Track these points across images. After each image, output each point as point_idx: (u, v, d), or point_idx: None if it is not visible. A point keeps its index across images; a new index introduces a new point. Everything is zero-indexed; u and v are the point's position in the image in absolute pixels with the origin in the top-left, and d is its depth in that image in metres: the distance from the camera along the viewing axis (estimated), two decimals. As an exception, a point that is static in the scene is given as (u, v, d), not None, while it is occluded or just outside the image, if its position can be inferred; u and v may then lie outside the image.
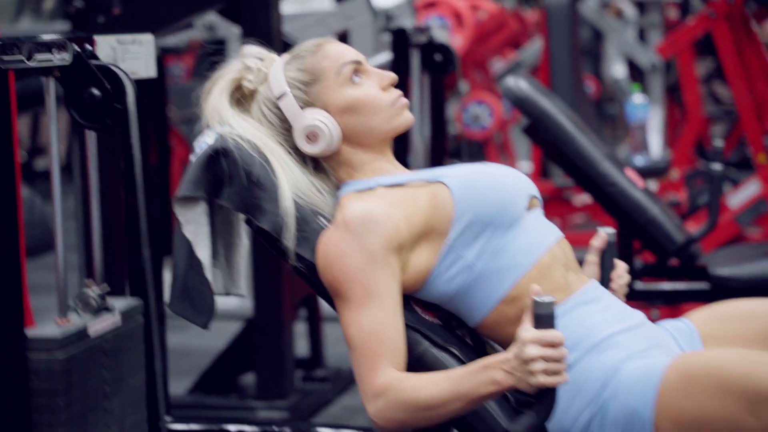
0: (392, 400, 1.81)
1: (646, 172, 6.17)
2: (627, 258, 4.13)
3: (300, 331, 4.80)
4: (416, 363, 1.92)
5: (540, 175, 6.55)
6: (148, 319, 2.40)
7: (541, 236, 1.95)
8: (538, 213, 2.00)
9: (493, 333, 1.95)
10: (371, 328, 1.85)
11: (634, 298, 3.93)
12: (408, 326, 1.92)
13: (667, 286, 3.94)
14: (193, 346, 5.22)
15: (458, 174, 1.96)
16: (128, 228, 2.43)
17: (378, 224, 1.87)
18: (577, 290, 1.93)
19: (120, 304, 2.29)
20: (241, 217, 2.03)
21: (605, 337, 1.88)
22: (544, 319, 1.70)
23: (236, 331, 4.32)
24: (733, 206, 5.32)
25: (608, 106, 9.22)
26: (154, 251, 2.48)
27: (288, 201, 1.94)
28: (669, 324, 2.03)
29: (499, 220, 1.91)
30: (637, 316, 1.97)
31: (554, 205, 6.14)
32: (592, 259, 2.12)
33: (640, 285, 4.01)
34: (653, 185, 6.57)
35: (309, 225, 1.96)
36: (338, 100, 1.97)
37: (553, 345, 1.69)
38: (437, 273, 1.92)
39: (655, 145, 7.22)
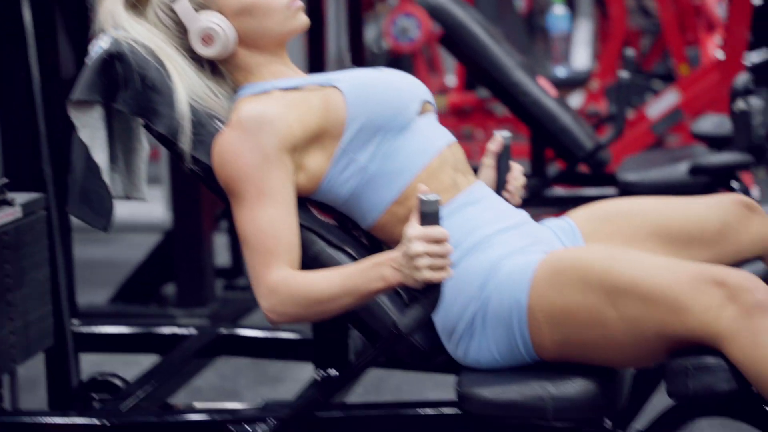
0: (285, 296, 1.86)
1: (566, 83, 6.25)
2: (540, 166, 4.21)
3: (222, 242, 4.83)
4: (312, 262, 1.96)
5: (464, 87, 6.60)
6: (49, 213, 2.41)
7: (432, 140, 1.99)
8: (431, 118, 2.04)
9: (386, 234, 2.00)
10: (265, 226, 1.89)
11: (545, 204, 4.05)
12: (304, 227, 1.97)
13: (577, 192, 4.03)
14: (117, 258, 5.24)
15: (351, 78, 1.99)
16: (27, 124, 2.43)
17: (272, 124, 1.90)
18: (464, 190, 1.99)
19: (21, 198, 2.28)
20: (140, 121, 2.05)
21: (487, 236, 1.94)
22: (429, 216, 1.75)
23: (157, 242, 4.34)
24: (651, 116, 5.41)
25: (539, 20, 9.24)
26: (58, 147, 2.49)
27: (183, 104, 1.96)
28: (552, 223, 2.09)
29: (391, 123, 1.95)
30: (520, 215, 2.03)
31: (478, 117, 6.20)
32: (489, 162, 2.17)
33: (552, 191, 4.11)
34: (579, 96, 6.65)
35: (205, 128, 1.98)
36: (233, 2, 1.98)
37: (437, 241, 1.74)
38: (331, 176, 1.95)
39: (583, 57, 7.28)
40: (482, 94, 6.17)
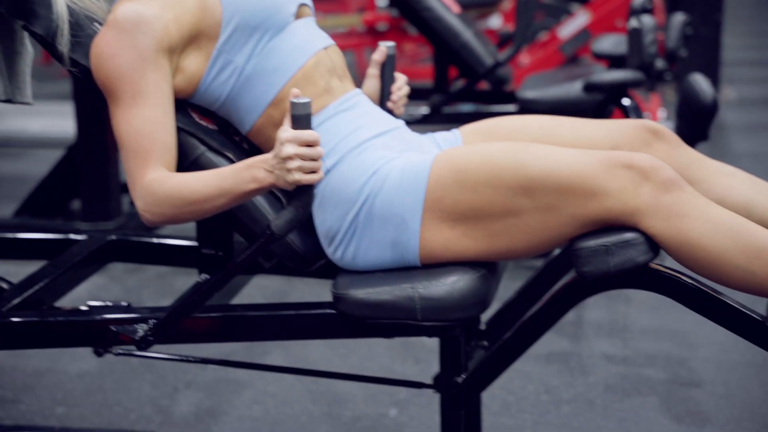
0: (160, 196, 1.87)
1: (480, 3, 6.25)
2: (443, 82, 4.25)
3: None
4: (192, 166, 1.97)
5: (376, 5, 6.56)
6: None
7: (308, 41, 2.00)
8: (310, 21, 2.05)
9: (263, 138, 2.02)
10: (141, 127, 1.89)
11: (447, 120, 4.08)
12: (184, 131, 1.98)
13: (478, 108, 4.07)
14: (27, 173, 5.19)
15: (227, -21, 1.99)
16: None
17: (148, 25, 1.89)
18: (339, 97, 2.01)
19: None
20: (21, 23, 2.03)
21: (364, 140, 1.96)
22: (300, 119, 1.77)
23: (60, 157, 4.30)
24: (562, 36, 5.45)
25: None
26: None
27: (61, 6, 1.95)
28: (437, 134, 2.12)
29: (267, 24, 1.96)
30: (396, 122, 2.05)
31: (392, 35, 6.18)
32: (373, 72, 2.19)
33: (454, 108, 4.14)
34: (497, 18, 6.65)
35: (83, 30, 1.97)
36: None
37: (308, 144, 1.76)
38: (209, 77, 1.96)
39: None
40: (395, 13, 6.15)
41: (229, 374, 3.00)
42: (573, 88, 3.73)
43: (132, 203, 4.44)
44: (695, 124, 3.18)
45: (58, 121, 5.96)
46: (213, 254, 2.18)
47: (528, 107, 3.80)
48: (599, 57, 4.14)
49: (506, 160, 1.85)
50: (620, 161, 1.80)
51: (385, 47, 2.18)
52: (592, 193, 1.79)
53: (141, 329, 1.99)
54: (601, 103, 3.67)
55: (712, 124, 3.17)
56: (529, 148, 1.87)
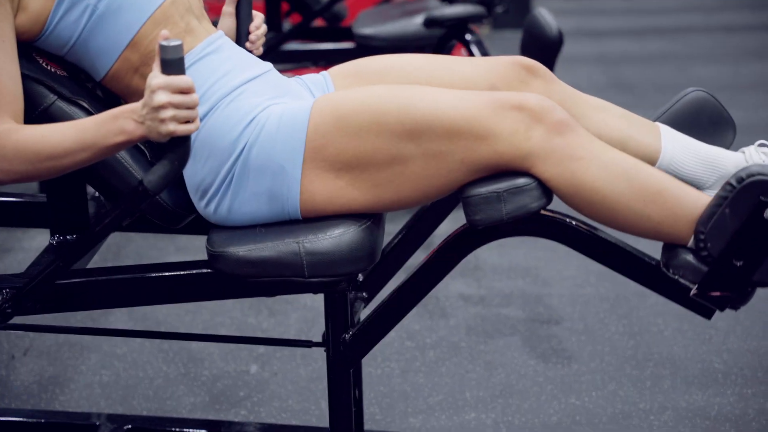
0: (10, 151, 1.66)
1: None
2: (275, 20, 4.07)
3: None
4: (42, 117, 1.76)
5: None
6: None
7: (163, -21, 1.81)
8: None
9: (120, 85, 1.82)
10: None
11: (282, 59, 3.92)
12: (31, 78, 1.76)
13: (313, 46, 3.92)
14: None
15: None
16: None
17: None
18: (203, 39, 1.84)
19: None
20: None
21: (236, 86, 1.79)
22: (172, 63, 1.58)
23: None
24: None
25: None
26: None
27: None
28: (306, 77, 1.98)
29: None
30: (264, 65, 1.90)
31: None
32: (229, 10, 2.01)
33: (289, 46, 3.98)
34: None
35: None
36: None
37: (182, 91, 1.57)
38: (56, 16, 1.75)
39: None
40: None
41: (70, 338, 2.79)
42: (412, 24, 3.63)
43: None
44: (541, 59, 3.14)
45: None
46: (66, 212, 1.98)
47: (364, 43, 3.69)
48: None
49: (390, 103, 1.72)
50: (510, 102, 1.69)
51: (242, -19, 2.01)
52: (481, 137, 1.69)
53: (-5, 301, 1.78)
54: (441, 38, 3.59)
55: (557, 57, 3.14)
56: (413, 91, 1.74)
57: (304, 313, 2.94)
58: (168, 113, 1.57)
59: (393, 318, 1.85)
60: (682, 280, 1.70)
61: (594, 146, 1.70)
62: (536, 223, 1.77)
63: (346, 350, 1.86)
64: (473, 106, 1.69)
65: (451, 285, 3.10)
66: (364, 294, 2.13)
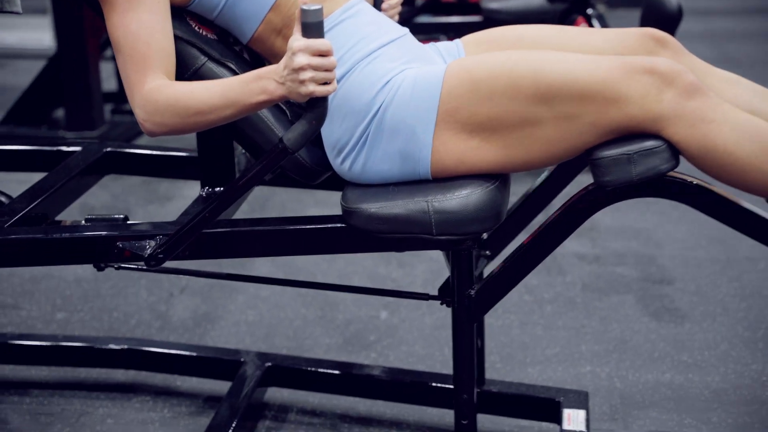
0: (162, 104, 1.56)
1: None
2: (409, -6, 3.91)
3: (109, 69, 4.43)
4: (193, 77, 1.66)
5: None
6: None
7: (306, -56, 1.68)
8: None
9: (265, 47, 1.71)
10: (139, 31, 1.57)
11: (413, 31, 3.76)
12: (183, 40, 1.66)
13: (442, 19, 3.76)
14: (7, 83, 4.78)
15: None
16: None
17: None
18: (343, 4, 1.70)
19: None
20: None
21: (373, 50, 1.66)
22: (312, 27, 1.46)
23: (42, 67, 3.91)
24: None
25: None
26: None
27: None
28: (441, 44, 1.83)
29: None
30: (401, 29, 1.75)
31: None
32: (367, -22, 1.88)
33: (420, 19, 3.83)
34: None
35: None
36: None
37: (321, 54, 1.45)
38: (207, -18, 1.65)
39: None
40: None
41: (221, 280, 2.72)
42: (537, -1, 3.43)
43: (113, 111, 4.09)
44: (661, 33, 2.92)
45: (34, 34, 5.50)
46: (215, 166, 1.88)
47: (492, 17, 3.51)
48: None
49: (523, 68, 1.56)
50: (642, 66, 1.52)
51: (380, -51, 1.87)
52: (612, 100, 1.52)
53: (149, 246, 1.69)
54: (564, 11, 3.38)
55: (676, 32, 2.90)
56: (546, 55, 1.58)
57: (430, 265, 2.81)
58: (307, 74, 1.45)
59: (516, 275, 1.70)
60: None
61: (724, 108, 1.52)
62: (666, 185, 1.59)
63: (470, 305, 1.71)
64: (605, 70, 1.53)
65: (567, 244, 2.91)
66: (487, 252, 1.98)
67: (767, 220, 1.57)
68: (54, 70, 3.84)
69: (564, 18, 3.42)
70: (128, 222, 1.75)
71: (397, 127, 1.61)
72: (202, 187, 1.88)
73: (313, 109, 1.50)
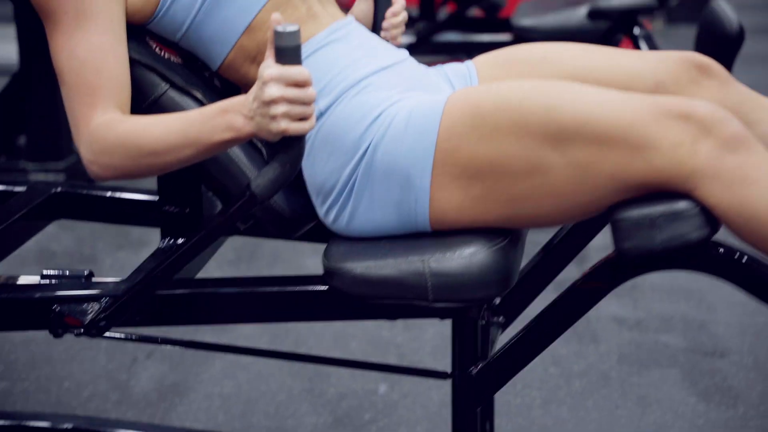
0: (111, 143, 1.52)
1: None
2: (429, 8, 3.88)
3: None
4: (151, 108, 1.62)
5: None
6: None
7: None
8: None
9: (237, 75, 1.66)
10: (86, 56, 1.54)
11: (434, 50, 3.73)
12: (141, 64, 1.62)
13: (469, 37, 3.73)
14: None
15: None
16: None
17: None
18: (328, 26, 1.65)
19: None
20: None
21: (363, 77, 1.61)
22: (287, 52, 1.41)
23: (4, 87, 3.90)
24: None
25: None
26: None
27: None
28: (448, 66, 1.77)
29: None
30: (398, 53, 1.70)
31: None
32: (368, -7, 1.83)
33: (442, 36, 3.79)
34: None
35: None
36: None
37: (297, 84, 1.40)
38: (171, -1, 1.61)
39: None
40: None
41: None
42: (575, 15, 3.39)
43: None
44: (718, 56, 2.85)
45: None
46: (178, 213, 1.83)
47: (524, 36, 3.46)
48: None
49: (534, 102, 1.49)
50: (676, 109, 1.43)
51: (383, -38, 1.82)
52: (637, 148, 1.43)
53: (92, 310, 1.64)
54: (607, 31, 3.34)
55: (737, 56, 2.84)
56: (561, 89, 1.50)
57: (442, 328, 2.74)
58: (280, 109, 1.40)
59: (525, 356, 1.63)
60: None
61: None
62: (697, 256, 1.50)
63: (472, 385, 1.65)
64: (631, 110, 1.45)
65: (604, 305, 2.83)
66: (500, 318, 1.91)
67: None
68: (16, 89, 3.82)
69: (607, 38, 3.37)
70: (92, 279, 1.70)
71: (389, 169, 1.56)
72: (163, 237, 1.83)
73: (286, 150, 1.45)
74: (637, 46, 3.24)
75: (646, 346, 2.64)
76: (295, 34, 1.39)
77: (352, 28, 1.68)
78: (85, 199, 2.08)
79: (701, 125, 1.43)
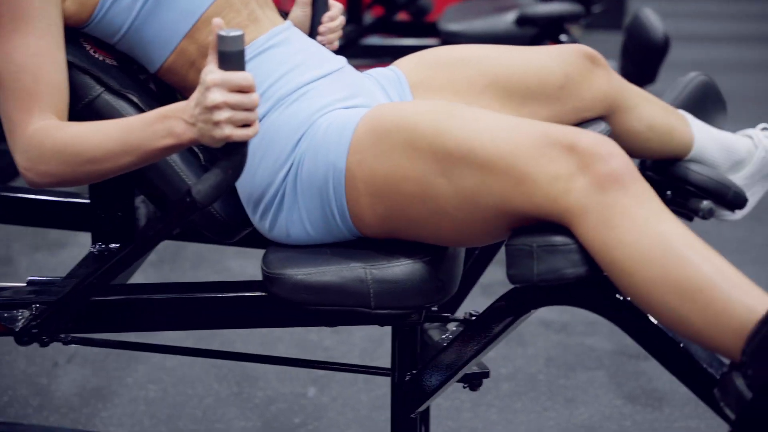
0: (48, 149, 1.48)
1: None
2: (356, 12, 3.87)
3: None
4: (85, 110, 1.60)
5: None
6: None
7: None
8: None
9: (176, 79, 1.64)
10: (22, 61, 1.50)
11: (361, 54, 3.72)
12: (75, 66, 1.59)
13: (396, 41, 3.73)
14: None
15: None
16: None
17: None
18: (269, 30, 1.64)
19: None
20: None
21: (301, 84, 1.60)
22: (230, 57, 1.38)
23: None
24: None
25: None
26: None
27: None
28: (376, 72, 1.77)
29: None
30: (337, 61, 1.69)
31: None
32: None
33: (368, 40, 3.79)
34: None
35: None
36: None
37: (241, 89, 1.38)
38: (108, 1, 1.58)
39: None
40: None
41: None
42: (503, 21, 3.41)
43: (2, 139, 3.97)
44: (644, 64, 2.90)
45: None
46: (109, 217, 1.80)
47: (451, 40, 3.47)
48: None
49: (426, 125, 1.46)
50: (561, 140, 1.39)
51: (320, -34, 1.81)
52: (516, 179, 1.40)
53: (22, 318, 1.60)
54: (534, 37, 3.37)
55: (662, 63, 2.90)
56: (455, 112, 1.47)
57: (370, 331, 2.74)
58: (223, 115, 1.38)
59: (454, 367, 1.63)
60: (723, 406, 1.35)
61: (641, 213, 1.36)
62: (577, 295, 1.46)
63: (410, 391, 1.65)
64: (515, 140, 1.41)
65: (532, 308, 2.86)
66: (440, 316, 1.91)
67: (701, 367, 1.43)
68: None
69: (534, 44, 3.40)
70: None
71: (311, 182, 1.55)
72: (94, 242, 1.80)
73: (229, 156, 1.43)
74: (562, 52, 3.27)
75: (573, 349, 2.67)
76: (239, 39, 1.37)
77: (291, 33, 1.67)
78: (8, 201, 2.03)
79: (581, 159, 1.38)
